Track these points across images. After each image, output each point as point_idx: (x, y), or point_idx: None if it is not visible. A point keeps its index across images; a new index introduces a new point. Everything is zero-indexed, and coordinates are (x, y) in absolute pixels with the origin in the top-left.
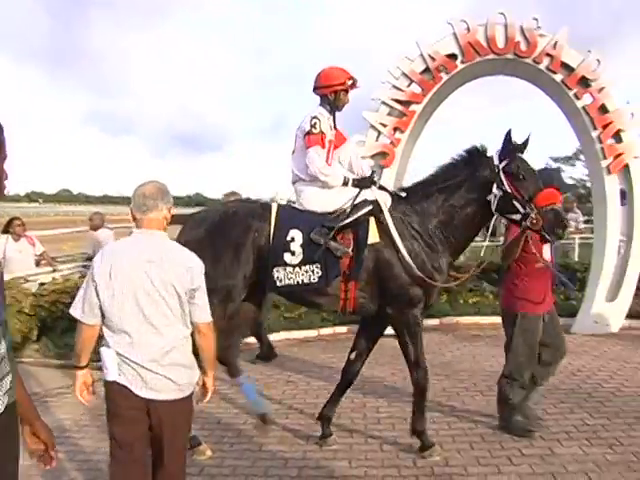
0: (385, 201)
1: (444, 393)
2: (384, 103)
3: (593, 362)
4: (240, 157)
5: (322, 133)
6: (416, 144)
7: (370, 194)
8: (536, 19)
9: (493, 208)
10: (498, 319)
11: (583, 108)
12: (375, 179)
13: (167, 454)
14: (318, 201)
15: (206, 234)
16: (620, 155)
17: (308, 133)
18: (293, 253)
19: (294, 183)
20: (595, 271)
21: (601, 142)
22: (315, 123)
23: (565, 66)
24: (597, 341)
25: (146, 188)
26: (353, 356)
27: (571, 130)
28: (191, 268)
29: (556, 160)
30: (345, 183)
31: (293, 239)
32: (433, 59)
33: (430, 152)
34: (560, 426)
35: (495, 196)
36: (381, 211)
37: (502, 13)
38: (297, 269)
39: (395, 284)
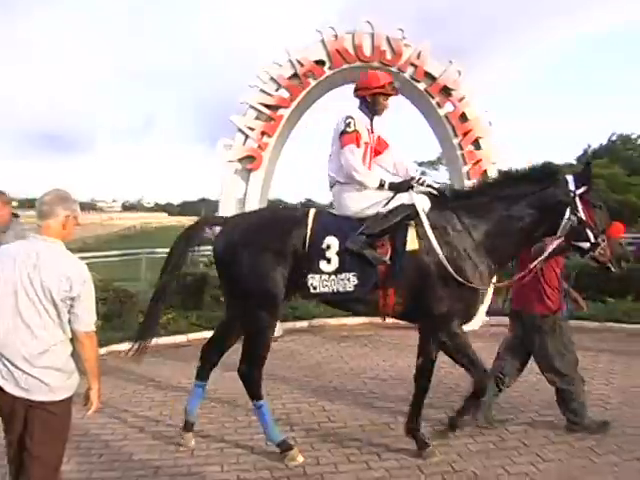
0: (424, 206)
1: (313, 394)
2: (252, 107)
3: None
4: (109, 157)
5: (357, 132)
6: (283, 148)
7: (408, 198)
8: (401, 30)
9: (560, 232)
10: (366, 320)
11: (445, 116)
12: (415, 182)
13: (35, 458)
14: (354, 205)
15: (243, 240)
16: (479, 161)
17: (343, 133)
18: (329, 261)
19: (331, 187)
20: None
21: (461, 149)
22: (349, 122)
23: (428, 75)
24: None
25: (45, 195)
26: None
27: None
28: (70, 278)
29: (421, 164)
30: (381, 185)
31: (329, 247)
32: (301, 65)
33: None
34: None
35: (568, 220)
36: (418, 215)
37: (369, 22)
38: (333, 277)
39: (432, 295)
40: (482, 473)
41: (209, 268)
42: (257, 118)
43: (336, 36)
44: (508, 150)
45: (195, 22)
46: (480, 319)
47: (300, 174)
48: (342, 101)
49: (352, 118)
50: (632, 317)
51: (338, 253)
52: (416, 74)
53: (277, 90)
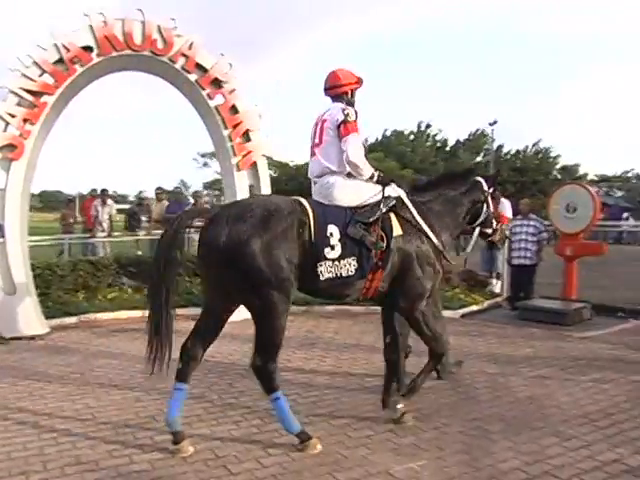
0: (404, 197)
1: (80, 391)
2: (13, 92)
3: (230, 345)
4: None
5: (356, 122)
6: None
7: (393, 190)
8: (173, 19)
9: (479, 221)
10: (138, 313)
11: (215, 108)
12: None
13: None
14: (347, 194)
15: (254, 230)
16: (249, 153)
17: (344, 122)
18: (332, 248)
19: (320, 176)
20: None
21: (231, 140)
22: (348, 113)
23: (199, 67)
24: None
25: None
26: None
27: None
28: None
29: (203, 155)
30: (372, 177)
31: (332, 234)
32: (67, 50)
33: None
34: (192, 410)
35: (486, 212)
36: (404, 205)
37: (140, 10)
38: (336, 263)
39: (412, 275)
40: (243, 457)
41: None
42: (19, 104)
43: (105, 22)
44: (277, 143)
45: None
46: None
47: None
48: (127, 86)
49: (349, 109)
50: None
51: (340, 240)
52: (187, 65)
53: (41, 75)
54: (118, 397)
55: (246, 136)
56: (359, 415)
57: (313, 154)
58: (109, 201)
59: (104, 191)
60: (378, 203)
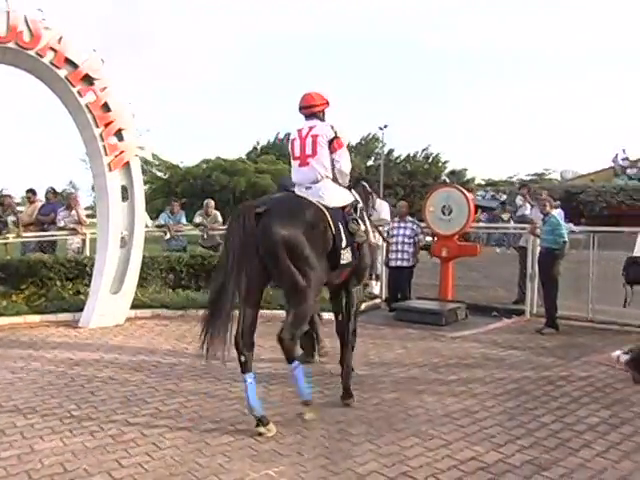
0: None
1: None
2: None
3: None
4: None
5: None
6: None
7: (354, 194)
8: (41, 10)
9: None
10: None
11: (86, 105)
12: None
13: None
14: (337, 197)
15: (307, 228)
16: (122, 153)
17: (335, 137)
18: (341, 239)
19: (316, 182)
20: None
21: (103, 140)
22: (336, 130)
23: (69, 62)
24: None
25: None
26: None
27: None
28: None
29: None
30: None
31: (341, 229)
32: None
33: None
34: (46, 422)
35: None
36: (359, 205)
37: None
38: (345, 250)
39: (364, 261)
40: (93, 470)
41: None
42: None
43: None
44: (148, 142)
45: None
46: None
47: None
48: None
49: (335, 126)
50: None
51: (344, 233)
52: (56, 60)
53: None
54: None
55: (119, 135)
56: (221, 421)
57: (306, 164)
58: None
59: None
60: (353, 203)
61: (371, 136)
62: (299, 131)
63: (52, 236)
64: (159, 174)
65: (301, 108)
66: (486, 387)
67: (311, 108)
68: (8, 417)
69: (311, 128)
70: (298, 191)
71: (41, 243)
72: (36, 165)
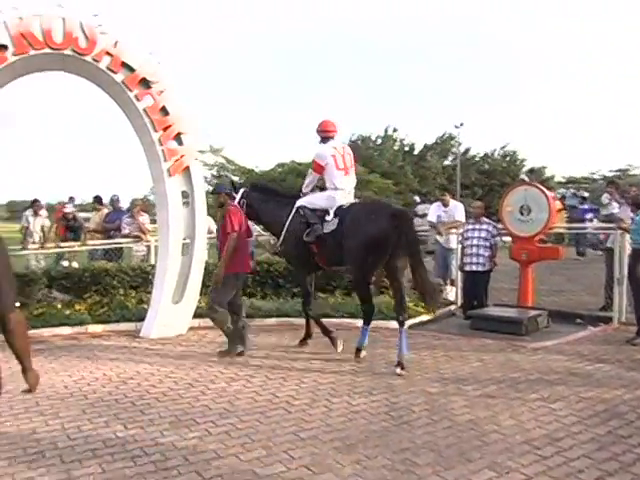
0: None
1: None
2: None
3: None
4: None
5: None
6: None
7: None
8: (97, 15)
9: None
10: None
11: (144, 110)
12: None
13: None
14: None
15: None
16: (181, 157)
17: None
18: None
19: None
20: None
21: (162, 144)
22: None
23: (126, 66)
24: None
25: None
26: None
27: None
28: None
29: None
30: None
31: None
32: None
33: None
34: (88, 443)
35: None
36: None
37: (60, 5)
38: None
39: None
40: None
41: None
42: None
43: (21, 18)
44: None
45: None
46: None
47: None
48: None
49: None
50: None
51: None
52: (112, 64)
53: None
54: None
55: (178, 139)
56: (273, 447)
57: (348, 173)
58: (42, 212)
59: (35, 201)
60: None
61: (447, 135)
62: (335, 148)
63: (118, 244)
64: (235, 179)
65: (320, 131)
66: (571, 408)
67: (327, 132)
68: (52, 437)
69: (344, 147)
70: (341, 195)
71: (107, 250)
72: (116, 172)
